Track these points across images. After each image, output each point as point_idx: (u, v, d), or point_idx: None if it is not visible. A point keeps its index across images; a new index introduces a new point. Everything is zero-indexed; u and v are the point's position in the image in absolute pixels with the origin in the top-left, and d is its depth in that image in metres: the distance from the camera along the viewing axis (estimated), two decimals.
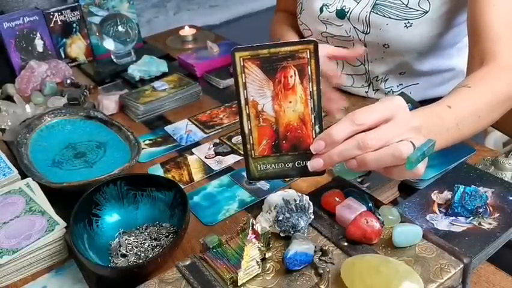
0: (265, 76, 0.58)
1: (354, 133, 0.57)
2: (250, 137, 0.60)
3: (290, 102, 0.59)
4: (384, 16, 0.95)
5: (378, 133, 0.56)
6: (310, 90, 0.58)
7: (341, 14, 1.00)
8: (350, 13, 0.99)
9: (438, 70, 1.05)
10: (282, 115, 0.59)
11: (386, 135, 0.56)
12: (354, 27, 0.99)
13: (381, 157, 0.56)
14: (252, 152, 0.61)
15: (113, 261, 0.72)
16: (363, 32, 0.99)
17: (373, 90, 1.08)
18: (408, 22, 0.93)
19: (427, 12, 0.92)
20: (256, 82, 0.58)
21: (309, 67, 0.57)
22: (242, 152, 0.89)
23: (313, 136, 0.60)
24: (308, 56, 0.57)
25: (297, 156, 0.61)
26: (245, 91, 0.59)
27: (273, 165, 0.61)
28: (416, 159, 0.55)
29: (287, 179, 0.86)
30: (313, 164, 0.59)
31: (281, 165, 0.61)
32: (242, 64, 0.58)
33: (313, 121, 0.59)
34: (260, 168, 0.62)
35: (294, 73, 0.58)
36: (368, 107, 0.58)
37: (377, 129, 0.57)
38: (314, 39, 0.57)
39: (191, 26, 1.59)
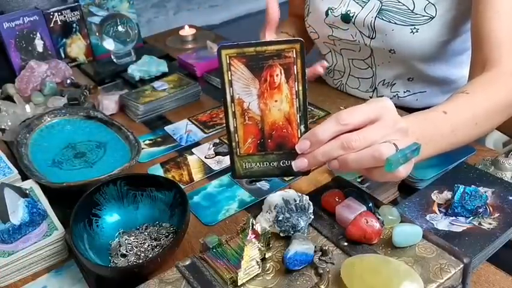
0: (251, 74, 0.58)
1: (339, 133, 0.56)
2: (236, 135, 0.60)
3: (276, 101, 0.59)
4: (390, 22, 0.93)
5: (362, 134, 0.56)
6: (296, 89, 0.58)
7: (346, 18, 0.99)
8: (355, 18, 0.97)
9: (450, 79, 1.03)
10: (267, 114, 0.59)
11: (370, 136, 0.56)
12: (360, 31, 0.98)
13: (362, 158, 0.56)
14: (237, 150, 0.61)
15: (113, 261, 0.72)
16: (368, 37, 0.98)
17: (377, 96, 1.07)
18: (414, 28, 0.92)
19: (433, 17, 0.91)
20: (242, 80, 0.58)
21: (295, 66, 0.57)
22: None
23: (299, 136, 0.59)
24: (294, 56, 0.57)
25: (282, 156, 0.61)
26: (231, 89, 0.59)
27: (258, 163, 0.61)
28: (395, 161, 0.54)
29: (287, 179, 0.86)
30: (297, 164, 0.59)
31: (266, 164, 0.61)
32: (228, 62, 0.58)
33: (298, 121, 0.59)
34: (245, 166, 0.61)
35: (280, 72, 0.58)
36: (354, 107, 0.57)
37: (362, 130, 0.56)
38: (300, 38, 0.57)
39: (191, 26, 1.59)
